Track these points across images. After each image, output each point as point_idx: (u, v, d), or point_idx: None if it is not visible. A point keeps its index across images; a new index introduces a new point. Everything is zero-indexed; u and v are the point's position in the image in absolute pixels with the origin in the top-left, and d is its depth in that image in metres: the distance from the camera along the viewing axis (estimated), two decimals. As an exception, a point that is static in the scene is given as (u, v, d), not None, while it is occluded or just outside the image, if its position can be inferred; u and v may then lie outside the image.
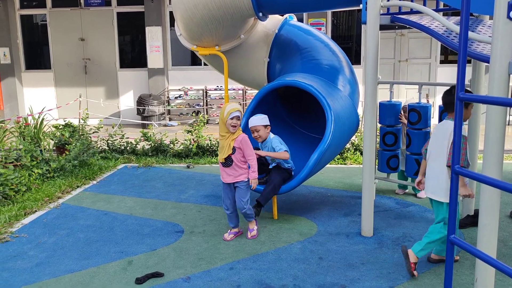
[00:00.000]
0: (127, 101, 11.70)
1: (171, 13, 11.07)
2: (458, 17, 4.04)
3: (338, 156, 6.97)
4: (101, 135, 7.70)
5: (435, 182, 3.35)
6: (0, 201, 5.05)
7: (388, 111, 4.79)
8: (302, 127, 5.43)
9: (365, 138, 4.03)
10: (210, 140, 7.54)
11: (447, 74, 10.70)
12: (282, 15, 5.46)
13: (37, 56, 12.11)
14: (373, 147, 4.03)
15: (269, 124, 4.32)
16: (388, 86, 4.94)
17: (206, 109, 11.32)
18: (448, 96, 3.40)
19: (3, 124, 7.48)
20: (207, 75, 11.27)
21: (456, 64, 2.04)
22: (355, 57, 11.11)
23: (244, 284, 3.33)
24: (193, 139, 7.51)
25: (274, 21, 5.37)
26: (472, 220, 4.25)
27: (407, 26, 3.92)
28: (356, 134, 7.04)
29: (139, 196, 5.44)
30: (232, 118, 3.82)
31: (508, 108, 2.73)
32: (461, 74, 2.06)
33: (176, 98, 11.47)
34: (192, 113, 11.25)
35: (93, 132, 7.36)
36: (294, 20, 5.62)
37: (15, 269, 3.62)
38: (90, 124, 7.78)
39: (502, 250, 3.74)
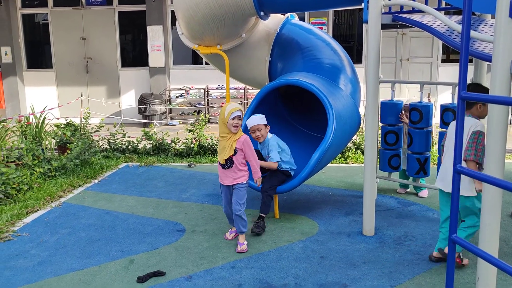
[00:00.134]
0: (128, 100, 11.71)
1: (172, 12, 11.08)
2: (460, 16, 4.04)
3: (340, 155, 6.97)
4: (103, 134, 7.71)
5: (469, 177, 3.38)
6: (2, 200, 5.06)
7: (389, 110, 4.79)
8: (304, 126, 5.43)
9: (367, 137, 4.02)
10: (212, 139, 7.54)
11: (449, 73, 10.68)
12: (284, 14, 5.45)
13: (38, 55, 12.12)
14: (374, 146, 4.03)
15: (267, 123, 4.31)
16: (389, 85, 4.93)
17: (208, 108, 11.32)
18: None
19: (5, 123, 7.49)
20: (208, 74, 11.27)
21: (458, 63, 2.04)
22: (356, 56, 11.10)
23: (246, 283, 3.33)
24: (194, 138, 7.52)
25: (275, 20, 5.36)
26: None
27: (409, 25, 3.92)
28: (357, 133, 7.04)
29: (140, 195, 5.45)
30: (233, 118, 3.72)
31: (510, 107, 2.72)
32: (463, 73, 2.06)
33: (177, 97, 11.47)
34: (194, 112, 11.25)
35: (95, 131, 7.36)
36: (295, 19, 5.62)
37: (17, 268, 3.63)
38: (92, 123, 7.79)
39: (503, 249, 3.74)
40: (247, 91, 11.11)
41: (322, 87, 4.37)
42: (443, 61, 10.94)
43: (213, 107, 11.40)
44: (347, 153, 7.04)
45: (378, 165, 4.88)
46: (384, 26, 4.07)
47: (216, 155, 7.22)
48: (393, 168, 4.88)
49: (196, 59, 11.64)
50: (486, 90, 3.38)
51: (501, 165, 2.46)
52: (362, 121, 6.07)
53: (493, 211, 2.50)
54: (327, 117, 4.21)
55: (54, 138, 7.03)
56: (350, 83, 5.01)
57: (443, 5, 4.25)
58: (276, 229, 4.33)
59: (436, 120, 5.93)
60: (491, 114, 2.43)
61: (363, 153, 6.89)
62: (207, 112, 11.21)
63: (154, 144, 7.51)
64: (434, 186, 4.67)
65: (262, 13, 4.69)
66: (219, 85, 11.25)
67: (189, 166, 6.78)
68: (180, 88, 11.45)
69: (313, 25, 6.33)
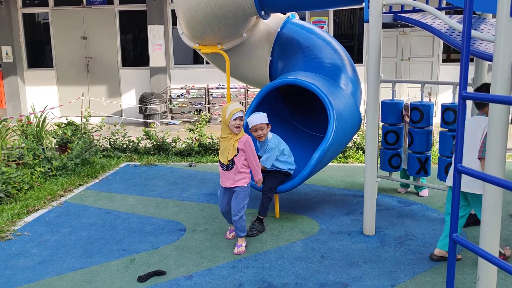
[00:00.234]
0: (129, 100, 11.71)
1: (173, 11, 11.08)
2: (461, 16, 4.04)
3: (340, 154, 6.97)
4: (103, 134, 7.71)
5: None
6: (2, 199, 5.07)
7: (390, 109, 4.79)
8: (304, 126, 5.43)
9: (367, 137, 4.02)
10: (212, 139, 7.55)
11: (449, 73, 10.68)
12: (284, 14, 5.45)
13: (39, 54, 12.13)
14: (375, 146, 4.03)
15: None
16: (390, 85, 4.93)
17: (208, 108, 11.32)
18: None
19: (5, 123, 7.50)
20: (209, 74, 11.28)
21: (459, 63, 2.04)
22: (357, 56, 11.09)
23: (246, 283, 3.33)
24: (195, 138, 7.52)
25: (276, 19, 5.36)
26: (474, 219, 4.25)
27: (410, 25, 3.92)
28: (358, 132, 7.03)
29: (141, 195, 5.45)
30: (235, 119, 3.65)
31: (511, 106, 2.72)
32: (463, 73, 2.06)
33: (178, 96, 11.47)
34: (194, 111, 11.25)
35: (95, 131, 7.36)
36: (296, 19, 5.61)
37: (18, 267, 3.63)
38: (92, 122, 7.79)
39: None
40: (247, 90, 11.11)
41: (323, 86, 4.36)
42: (444, 60, 10.93)
43: (214, 106, 11.40)
44: (347, 153, 7.04)
45: (378, 165, 4.88)
46: (384, 26, 4.07)
47: (217, 155, 7.22)
48: (394, 167, 4.88)
49: (196, 59, 11.64)
50: None
51: (502, 164, 2.46)
52: (362, 121, 6.07)
53: (494, 210, 2.50)
54: (328, 117, 4.21)
55: (54, 138, 7.03)
56: (350, 82, 5.01)
57: (444, 5, 4.25)
58: (276, 229, 4.33)
59: (436, 119, 5.93)
60: (492, 113, 2.43)
61: (363, 152, 6.90)
62: (207, 111, 11.21)
63: (154, 143, 7.52)
64: (435, 185, 4.69)
65: (263, 12, 4.69)
66: (219, 85, 11.25)
67: (190, 165, 6.79)
68: (181, 88, 11.45)
69: (314, 25, 6.33)
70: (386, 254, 3.76)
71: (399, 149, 4.88)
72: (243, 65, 5.41)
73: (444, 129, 4.33)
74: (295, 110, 5.53)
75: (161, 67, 11.27)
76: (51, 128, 7.50)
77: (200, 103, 11.39)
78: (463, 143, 2.13)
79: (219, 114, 11.17)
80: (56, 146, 7.13)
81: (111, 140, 7.62)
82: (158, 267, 3.57)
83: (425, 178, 5.23)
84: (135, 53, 12.06)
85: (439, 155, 4.40)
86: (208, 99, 11.33)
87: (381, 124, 4.91)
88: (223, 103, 11.22)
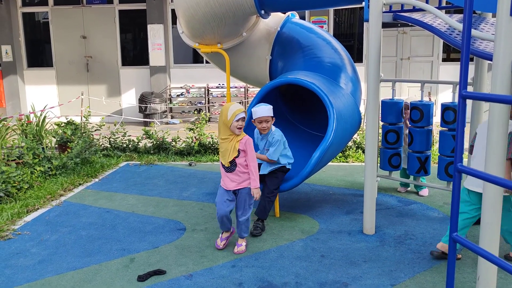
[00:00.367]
0: (129, 99, 11.71)
1: (173, 10, 11.07)
2: (461, 15, 4.03)
3: (340, 154, 6.97)
4: (103, 133, 7.71)
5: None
6: (2, 198, 5.07)
7: (390, 109, 4.78)
8: (304, 125, 5.43)
9: (367, 136, 4.02)
10: (212, 138, 7.55)
11: (449, 72, 10.68)
12: (284, 13, 5.45)
13: (39, 54, 12.12)
14: (375, 145, 4.03)
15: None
16: (390, 84, 4.93)
17: (208, 107, 11.32)
18: None
19: (5, 122, 7.50)
20: (209, 73, 11.28)
21: (459, 62, 2.04)
22: (357, 55, 11.09)
23: (246, 282, 3.33)
24: (195, 137, 7.52)
25: (276, 19, 5.36)
26: (474, 218, 4.25)
27: (410, 24, 3.91)
28: (358, 132, 7.03)
29: (141, 194, 5.45)
30: (238, 120, 3.56)
31: (511, 106, 2.72)
32: (463, 72, 2.06)
33: (178, 96, 11.47)
34: (194, 111, 11.25)
35: (95, 130, 7.37)
36: (296, 18, 5.61)
37: (18, 266, 3.63)
38: (92, 122, 7.79)
39: (504, 248, 3.73)
40: (247, 90, 11.11)
41: (323, 85, 4.36)
42: (444, 60, 10.93)
43: (214, 106, 11.40)
44: (347, 152, 7.04)
45: (378, 164, 4.88)
46: (384, 25, 4.06)
47: (217, 154, 7.22)
48: (394, 167, 4.88)
49: (196, 58, 11.63)
50: None
51: (501, 163, 2.46)
52: (362, 120, 6.07)
53: (494, 210, 2.50)
54: (328, 116, 4.20)
55: (54, 137, 7.03)
56: (350, 82, 5.01)
57: (444, 4, 4.25)
58: (276, 228, 4.33)
59: (436, 119, 5.93)
60: (492, 112, 2.43)
61: (363, 152, 6.90)
62: (207, 111, 11.21)
63: (154, 143, 7.52)
64: (435, 185, 4.69)
65: (262, 11, 4.69)
66: (219, 84, 11.25)
67: (190, 165, 6.79)
68: (181, 87, 11.45)
69: (314, 24, 6.33)
70: (386, 254, 3.76)
71: (399, 149, 4.88)
72: (243, 65, 5.41)
73: (444, 128, 4.33)
74: (295, 110, 5.53)
75: (161, 67, 11.27)
76: (51, 128, 7.50)
77: (200, 103, 11.39)
78: (463, 142, 2.13)
79: (219, 115, 11.15)
80: (56, 146, 7.13)
81: (111, 139, 7.62)
82: (158, 267, 3.57)
83: (425, 178, 5.23)
84: (135, 52, 12.05)
85: (439, 154, 4.40)
86: (208, 99, 11.33)
87: (381, 123, 4.90)
88: (223, 102, 11.22)
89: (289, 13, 5.48)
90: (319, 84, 4.34)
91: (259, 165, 4.18)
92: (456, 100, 4.04)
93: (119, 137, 7.65)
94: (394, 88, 4.89)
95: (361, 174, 6.05)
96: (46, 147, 6.87)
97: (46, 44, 11.92)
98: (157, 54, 11.23)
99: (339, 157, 6.93)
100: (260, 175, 4.05)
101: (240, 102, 10.97)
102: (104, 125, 7.45)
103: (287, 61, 5.21)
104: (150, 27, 11.14)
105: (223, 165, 3.72)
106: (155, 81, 11.32)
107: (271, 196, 4.20)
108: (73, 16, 11.61)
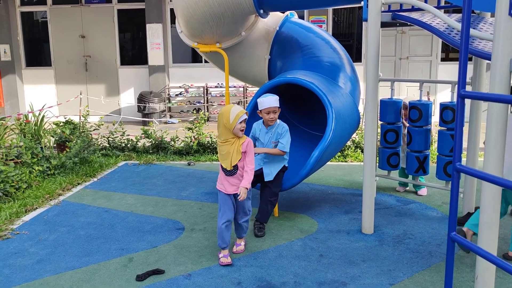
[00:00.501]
0: (127, 99, 11.70)
1: (171, 10, 11.06)
2: (460, 15, 4.04)
3: (339, 153, 6.97)
4: (102, 132, 7.70)
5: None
6: (0, 198, 5.06)
7: (389, 108, 4.78)
8: (303, 125, 5.43)
9: (366, 136, 4.02)
10: (211, 138, 7.54)
11: (448, 72, 10.69)
12: (283, 12, 5.45)
13: (37, 53, 12.10)
14: (374, 145, 4.03)
15: None
16: (389, 84, 4.93)
17: (207, 107, 11.31)
18: None
19: (3, 121, 7.49)
20: (207, 72, 11.27)
21: (457, 62, 2.04)
22: (356, 55, 11.09)
23: (245, 281, 3.33)
24: (193, 137, 7.51)
25: (275, 18, 5.36)
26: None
27: (408, 24, 3.91)
28: (357, 131, 7.03)
29: (139, 194, 5.45)
30: (241, 122, 3.45)
31: (510, 105, 2.72)
32: (462, 72, 2.06)
33: (176, 95, 11.46)
34: (193, 110, 11.25)
35: (94, 129, 7.36)
36: (295, 17, 5.61)
37: (16, 266, 3.63)
38: (91, 121, 7.79)
39: (502, 248, 3.74)
40: (246, 89, 11.10)
41: (321, 85, 4.36)
42: (443, 59, 10.94)
43: (213, 105, 11.39)
44: (346, 152, 7.04)
45: (377, 164, 4.88)
46: (383, 25, 4.06)
47: (216, 154, 7.22)
48: (392, 166, 4.88)
49: (195, 57, 11.63)
50: None
51: (500, 163, 2.46)
52: (361, 120, 6.08)
53: (492, 209, 2.51)
54: (327, 116, 4.20)
55: (53, 136, 7.02)
56: (349, 81, 5.01)
57: (442, 3, 4.25)
58: (275, 227, 4.33)
59: (435, 118, 5.94)
60: (491, 112, 2.43)
61: (362, 151, 6.89)
62: (206, 110, 11.21)
63: (153, 142, 7.51)
64: (433, 184, 4.69)
65: (261, 11, 4.69)
66: (218, 83, 11.24)
67: (189, 164, 6.78)
68: (180, 86, 11.44)
69: (313, 24, 6.33)
70: (385, 253, 3.76)
71: (397, 148, 4.88)
72: (242, 64, 5.40)
73: (442, 128, 4.33)
74: (294, 109, 5.53)
75: (159, 66, 11.26)
76: (50, 127, 7.49)
77: (198, 102, 11.38)
78: (461, 142, 2.13)
79: (218, 116, 11.14)
80: (55, 145, 7.12)
81: (109, 139, 7.61)
82: (156, 266, 3.57)
83: (423, 177, 5.24)
84: (133, 51, 12.04)
85: (437, 154, 4.40)
86: (207, 98, 11.32)
87: (380, 123, 4.90)
88: (222, 102, 11.22)
89: (288, 12, 5.48)
90: (318, 83, 4.33)
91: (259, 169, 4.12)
92: (455, 99, 4.04)
93: (117, 136, 7.65)
94: (393, 88, 4.89)
95: (359, 173, 6.06)
96: (45, 146, 6.86)
97: (45, 44, 11.90)
98: (156, 53, 11.22)
99: (338, 156, 6.93)
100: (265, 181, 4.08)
101: (239, 102, 10.97)
102: (102, 124, 7.44)
103: (286, 60, 5.21)
104: (149, 27, 11.12)
105: (223, 169, 3.60)
106: (154, 81, 11.31)
107: (273, 200, 4.19)
108: (72, 15, 11.59)
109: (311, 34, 5.30)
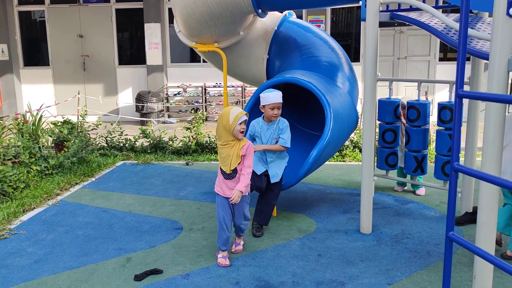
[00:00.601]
0: (126, 98, 11.68)
1: (170, 9, 11.05)
2: (458, 14, 4.04)
3: (337, 153, 6.97)
4: (100, 132, 7.69)
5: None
6: (-2, 198, 5.05)
7: (387, 108, 4.78)
8: (301, 124, 5.43)
9: (364, 135, 4.03)
10: (209, 137, 7.54)
11: (446, 72, 10.70)
12: (282, 12, 5.45)
13: (35, 52, 12.08)
14: (372, 144, 4.03)
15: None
16: (387, 83, 4.93)
17: (205, 106, 11.31)
18: None
19: (1, 121, 7.47)
20: (206, 72, 11.26)
21: (455, 62, 2.04)
22: (354, 54, 11.10)
23: (243, 281, 3.33)
24: (192, 136, 7.51)
25: (273, 18, 5.36)
26: (470, 218, 4.26)
27: (407, 23, 3.91)
28: (355, 131, 7.04)
29: (138, 193, 5.44)
30: (241, 123, 3.40)
31: (507, 105, 2.73)
32: (460, 71, 2.06)
33: (175, 95, 11.45)
34: (191, 110, 11.24)
35: (92, 129, 7.35)
36: (293, 17, 5.61)
37: (14, 266, 3.62)
38: (89, 121, 7.78)
39: (500, 247, 3.75)
40: (244, 89, 11.10)
41: (320, 85, 4.36)
42: (441, 59, 10.95)
43: (211, 105, 11.39)
44: (344, 151, 7.04)
45: (375, 163, 4.88)
46: (382, 24, 4.06)
47: (214, 153, 7.22)
48: (391, 166, 4.88)
49: (193, 57, 11.62)
50: None
51: (498, 163, 2.47)
52: (359, 119, 6.08)
53: (490, 209, 2.51)
54: (325, 115, 4.20)
55: (51, 136, 7.01)
56: (347, 81, 5.01)
57: (440, 3, 4.25)
58: (273, 227, 4.33)
59: (433, 118, 5.94)
60: (488, 112, 2.44)
61: (360, 151, 6.90)
62: (204, 110, 11.20)
63: (151, 142, 7.50)
64: (431, 184, 4.69)
65: (260, 10, 4.69)
66: (216, 83, 11.24)
67: (187, 164, 6.78)
68: (178, 86, 11.43)
69: (311, 23, 6.32)
70: (383, 253, 3.77)
71: (396, 148, 4.88)
72: (240, 64, 5.40)
73: (440, 127, 4.33)
74: (292, 109, 5.53)
75: (158, 66, 11.25)
76: (47, 127, 7.47)
77: (197, 102, 11.38)
78: (459, 142, 2.14)
79: (216, 113, 11.16)
80: (53, 145, 7.11)
81: (107, 138, 7.60)
82: (154, 266, 3.56)
83: (421, 177, 5.24)
84: (131, 51, 12.02)
85: (435, 153, 4.40)
86: (205, 98, 11.31)
87: (378, 122, 4.91)
88: (220, 101, 11.22)
89: (286, 12, 5.48)
90: (316, 83, 4.33)
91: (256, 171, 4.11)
92: (453, 99, 4.04)
93: (115, 136, 7.64)
94: (391, 88, 4.90)
95: (358, 173, 6.06)
96: (43, 146, 6.85)
97: (43, 43, 11.88)
98: (154, 53, 11.20)
99: (336, 156, 6.94)
100: (273, 183, 4.07)
101: (237, 102, 10.97)
102: (100, 124, 7.42)
103: (284, 60, 5.21)
104: (147, 26, 11.11)
105: (222, 172, 3.55)
106: (152, 80, 11.30)
107: (275, 202, 4.20)
108: (70, 14, 11.57)
109: (309, 34, 5.30)
